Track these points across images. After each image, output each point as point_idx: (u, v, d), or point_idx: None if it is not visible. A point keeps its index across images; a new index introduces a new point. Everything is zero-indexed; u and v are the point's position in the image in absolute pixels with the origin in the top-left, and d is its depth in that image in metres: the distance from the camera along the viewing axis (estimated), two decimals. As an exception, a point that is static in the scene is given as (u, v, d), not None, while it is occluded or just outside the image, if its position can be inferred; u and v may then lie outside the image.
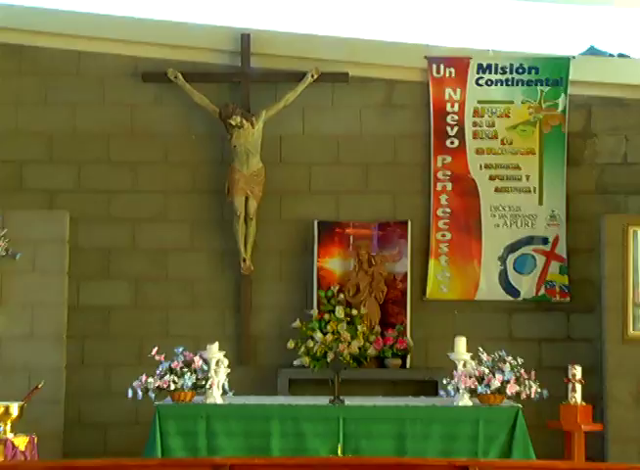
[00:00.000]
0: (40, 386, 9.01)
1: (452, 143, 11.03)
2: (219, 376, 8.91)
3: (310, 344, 10.53)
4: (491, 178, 11.02)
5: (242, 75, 10.97)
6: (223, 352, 8.98)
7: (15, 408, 8.40)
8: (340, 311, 10.61)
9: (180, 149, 11.06)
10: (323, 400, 8.91)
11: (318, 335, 10.53)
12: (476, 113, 11.04)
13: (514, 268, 10.93)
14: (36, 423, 9.03)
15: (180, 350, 8.96)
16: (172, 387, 8.78)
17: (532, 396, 8.76)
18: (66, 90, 11.06)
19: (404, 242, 10.88)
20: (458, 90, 11.04)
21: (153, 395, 8.80)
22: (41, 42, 11.03)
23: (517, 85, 11.04)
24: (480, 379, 8.77)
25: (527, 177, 11.00)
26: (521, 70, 11.03)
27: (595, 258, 10.81)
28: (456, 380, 8.84)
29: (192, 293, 10.96)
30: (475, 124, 11.04)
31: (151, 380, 8.78)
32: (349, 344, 10.49)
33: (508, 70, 11.04)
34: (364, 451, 8.56)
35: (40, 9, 11.02)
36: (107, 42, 11.06)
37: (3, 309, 10.30)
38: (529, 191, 11.00)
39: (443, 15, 11.41)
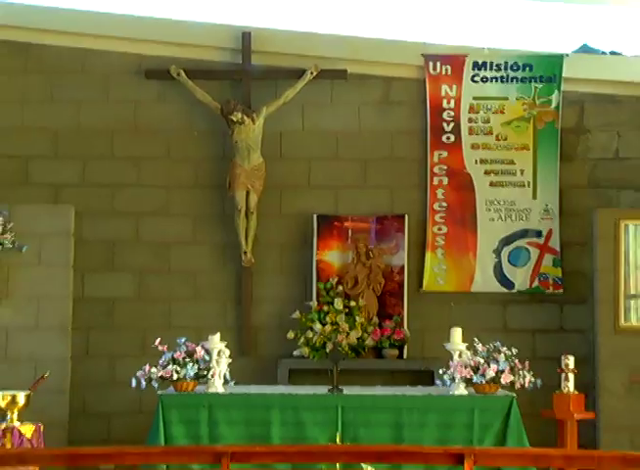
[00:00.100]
0: (46, 376, 9.02)
1: (448, 139, 11.02)
2: (221, 366, 8.91)
3: (310, 334, 10.54)
4: (486, 173, 11.02)
5: (243, 73, 10.96)
6: (225, 343, 8.98)
7: (21, 397, 8.40)
8: (338, 303, 10.62)
9: (182, 145, 11.06)
10: (322, 390, 8.92)
11: (317, 326, 10.53)
12: (471, 109, 11.03)
13: (508, 261, 10.93)
14: (42, 412, 9.02)
15: (183, 340, 8.95)
16: (175, 377, 8.78)
17: (526, 385, 8.77)
18: (71, 87, 11.05)
19: (401, 235, 10.88)
20: (454, 87, 11.03)
21: (156, 384, 8.80)
22: (47, 40, 11.02)
23: (511, 82, 11.03)
24: (476, 369, 8.78)
25: (522, 172, 11.00)
26: (515, 68, 11.03)
27: (587, 251, 10.81)
28: (452, 370, 8.84)
29: (194, 285, 10.96)
30: (470, 120, 11.03)
31: (154, 370, 8.78)
32: (348, 334, 10.49)
33: (503, 67, 11.03)
34: (362, 440, 8.56)
35: (46, 7, 11.01)
36: (111, 40, 11.05)
37: (10, 301, 10.30)
38: (524, 185, 11.00)
39: (440, 13, 11.41)
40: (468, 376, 8.76)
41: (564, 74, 10.97)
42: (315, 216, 10.88)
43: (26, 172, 10.98)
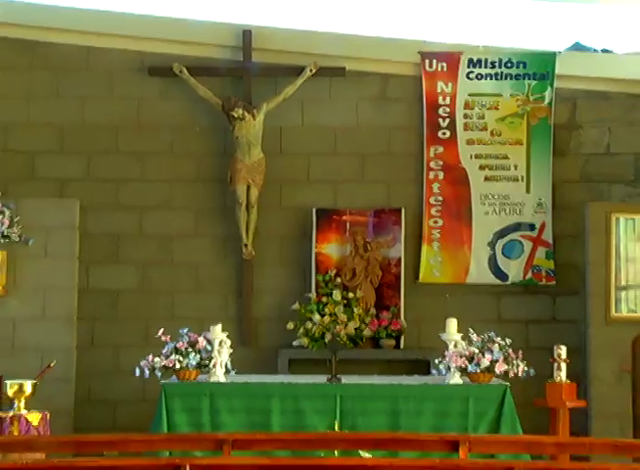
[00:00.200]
0: (52, 365, 9.05)
1: (444, 134, 11.03)
2: (222, 356, 8.91)
3: (309, 325, 10.55)
4: (481, 168, 11.02)
5: (244, 70, 10.96)
6: (226, 334, 8.99)
7: (28, 386, 8.42)
8: (337, 294, 10.63)
9: (185, 140, 11.06)
10: (321, 379, 8.93)
11: (316, 317, 10.54)
12: (466, 105, 11.03)
13: (502, 253, 10.94)
14: (48, 400, 9.04)
15: (185, 331, 8.96)
16: (178, 366, 8.79)
17: (520, 374, 8.78)
18: (76, 84, 11.05)
19: (398, 228, 10.89)
20: (450, 84, 11.03)
21: (159, 373, 8.81)
22: (52, 38, 11.02)
23: (505, 79, 11.03)
24: (471, 358, 8.79)
25: (516, 167, 11.01)
26: (509, 65, 11.03)
27: (579, 244, 10.82)
28: (447, 359, 8.85)
29: (196, 277, 10.97)
30: (465, 116, 11.04)
31: (157, 359, 8.79)
32: (346, 325, 10.51)
33: (497, 64, 11.03)
34: (360, 427, 8.57)
35: (52, 6, 11.00)
36: (115, 38, 11.05)
37: (17, 293, 10.31)
38: (517, 180, 11.00)
39: (436, 12, 11.40)
40: (463, 365, 8.77)
41: (557, 72, 10.97)
42: (314, 210, 10.89)
43: (33, 167, 10.98)
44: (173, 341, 8.90)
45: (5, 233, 10.24)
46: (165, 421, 8.63)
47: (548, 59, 11.03)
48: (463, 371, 8.81)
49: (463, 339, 8.96)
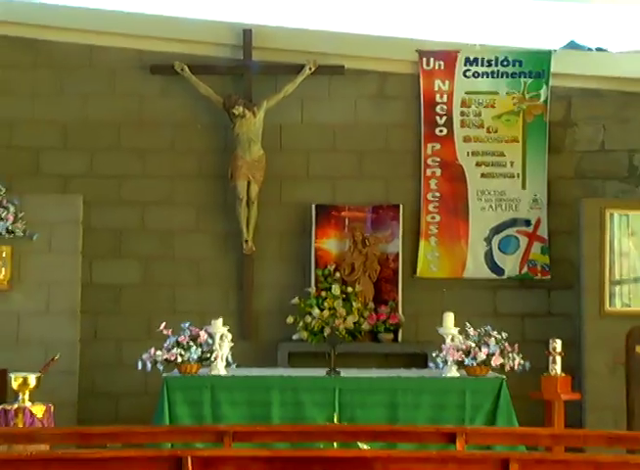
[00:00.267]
0: (56, 358, 9.04)
1: (441, 131, 11.03)
2: (223, 349, 8.92)
3: (308, 319, 10.55)
4: (478, 165, 11.02)
5: (244, 68, 10.95)
6: (227, 327, 8.99)
7: (32, 379, 8.41)
8: (336, 289, 10.63)
9: (186, 137, 11.05)
10: (320, 372, 8.94)
11: (316, 311, 10.54)
12: (463, 103, 11.03)
13: (499, 248, 10.95)
14: (52, 393, 9.04)
15: (186, 325, 8.97)
16: (179, 359, 8.80)
17: (516, 367, 8.79)
18: (79, 82, 11.04)
19: (396, 224, 10.89)
20: (447, 82, 11.03)
21: (161, 367, 8.82)
22: (56, 37, 11.01)
23: (502, 77, 11.03)
24: (467, 352, 8.80)
25: (511, 164, 11.01)
26: (505, 63, 11.02)
27: (574, 240, 10.82)
28: (444, 353, 8.86)
29: (197, 272, 10.97)
30: (462, 114, 11.04)
31: (159, 353, 8.80)
32: (345, 319, 10.51)
33: (493, 62, 11.02)
34: (359, 420, 8.57)
35: (55, 5, 11.00)
36: (117, 37, 11.04)
37: (21, 287, 10.31)
38: (513, 176, 11.01)
39: (433, 11, 11.39)
40: (460, 359, 8.78)
41: (552, 70, 10.97)
42: (314, 206, 10.89)
43: (37, 163, 10.98)
44: (175, 335, 8.90)
45: (9, 228, 10.24)
46: (167, 413, 8.64)
47: (543, 57, 11.03)
48: (460, 364, 8.82)
49: (460, 333, 8.97)
